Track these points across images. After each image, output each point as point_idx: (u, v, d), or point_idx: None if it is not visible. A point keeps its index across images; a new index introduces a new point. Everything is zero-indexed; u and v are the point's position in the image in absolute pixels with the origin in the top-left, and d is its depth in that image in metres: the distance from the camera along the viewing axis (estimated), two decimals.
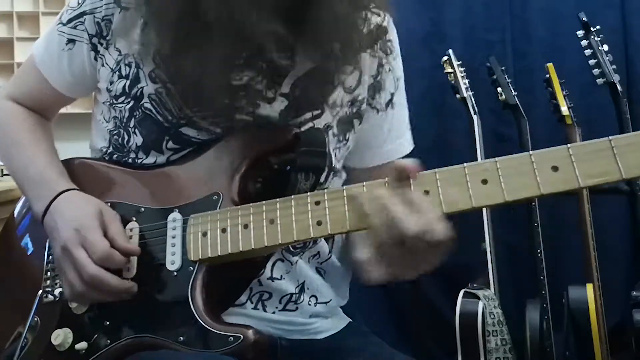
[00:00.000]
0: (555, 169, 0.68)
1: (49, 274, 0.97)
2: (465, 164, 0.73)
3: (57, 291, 0.94)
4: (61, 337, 0.89)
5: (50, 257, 0.97)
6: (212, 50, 0.85)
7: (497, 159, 0.72)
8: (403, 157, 1.06)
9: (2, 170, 2.25)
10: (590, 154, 0.68)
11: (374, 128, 1.04)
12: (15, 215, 1.09)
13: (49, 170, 0.98)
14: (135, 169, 0.98)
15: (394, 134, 1.06)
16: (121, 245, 0.88)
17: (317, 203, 0.80)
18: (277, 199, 0.83)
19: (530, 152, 0.70)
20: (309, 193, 0.81)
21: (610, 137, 0.67)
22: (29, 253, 1.04)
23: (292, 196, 0.82)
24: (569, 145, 0.69)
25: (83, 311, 0.91)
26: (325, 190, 0.81)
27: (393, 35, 1.05)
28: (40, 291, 0.96)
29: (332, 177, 0.99)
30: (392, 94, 1.05)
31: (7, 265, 1.07)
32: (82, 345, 0.88)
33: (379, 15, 0.99)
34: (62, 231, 0.89)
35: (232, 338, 0.80)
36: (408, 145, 1.08)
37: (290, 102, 0.94)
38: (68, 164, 1.02)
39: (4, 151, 1.07)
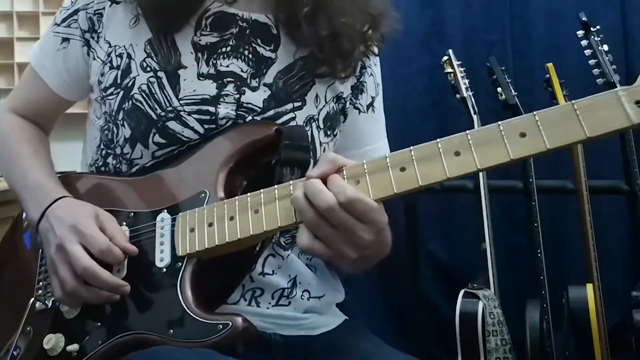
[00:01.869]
0: (523, 135, 0.71)
1: (40, 283, 0.97)
2: (438, 140, 0.75)
3: (49, 300, 0.95)
4: (53, 341, 0.89)
5: (43, 265, 0.98)
6: None
7: (468, 132, 0.74)
8: None
9: None
10: (555, 117, 0.70)
11: (355, 128, 1.07)
12: (21, 222, 1.09)
13: (46, 179, 1.00)
14: (123, 177, 0.99)
15: (373, 136, 1.09)
16: (121, 242, 0.88)
17: None
18: (262, 190, 0.83)
19: (499, 122, 0.73)
20: (291, 181, 0.82)
21: (573, 101, 0.69)
22: (24, 262, 1.04)
23: (275, 185, 0.83)
24: (535, 112, 0.71)
25: (75, 315, 0.91)
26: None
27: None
28: (32, 299, 0.96)
29: None
30: (373, 98, 1.09)
31: (7, 273, 1.07)
32: (73, 347, 0.88)
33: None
34: (58, 230, 0.90)
35: (220, 326, 0.80)
36: (384, 150, 1.09)
37: (272, 92, 0.97)
38: (60, 178, 1.04)
39: (3, 161, 1.09)
